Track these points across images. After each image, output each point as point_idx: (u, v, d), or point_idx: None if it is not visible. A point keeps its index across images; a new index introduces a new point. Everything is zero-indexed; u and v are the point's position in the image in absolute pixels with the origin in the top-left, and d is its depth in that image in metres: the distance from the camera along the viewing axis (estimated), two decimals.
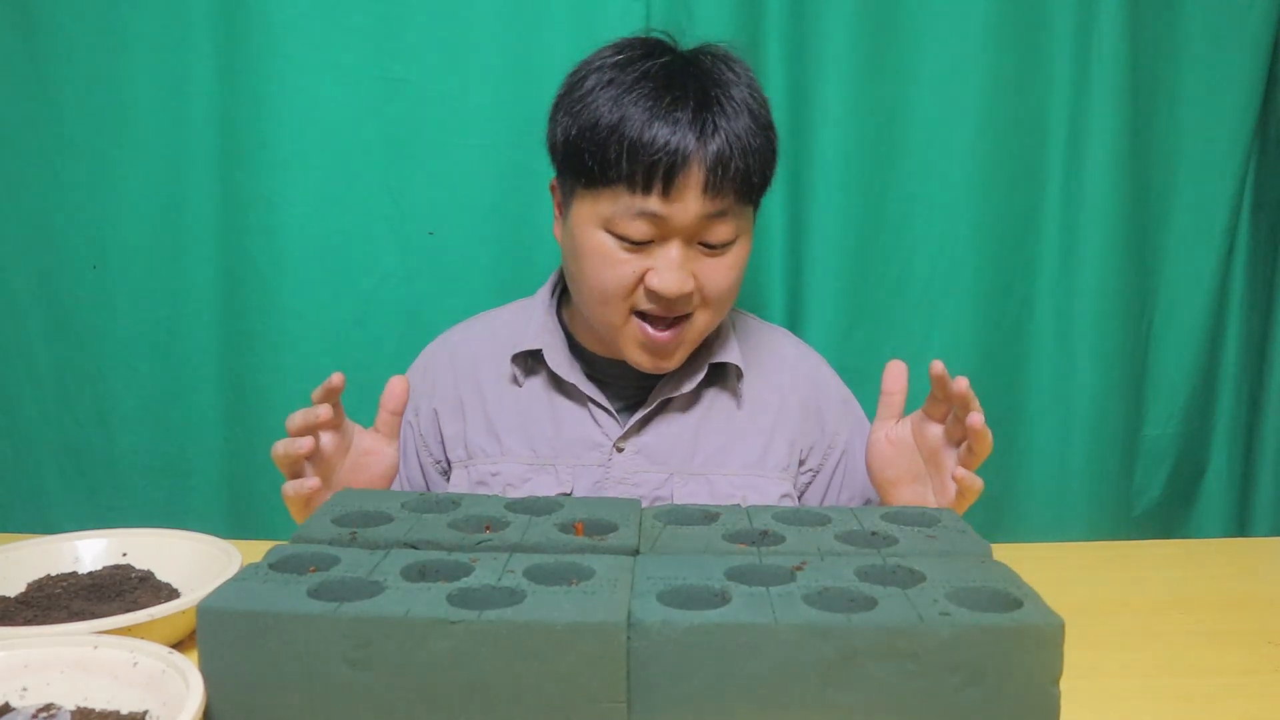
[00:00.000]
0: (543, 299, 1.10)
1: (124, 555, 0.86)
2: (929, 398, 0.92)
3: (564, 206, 1.01)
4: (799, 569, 0.68)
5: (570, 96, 0.96)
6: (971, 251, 1.33)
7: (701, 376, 1.04)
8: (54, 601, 0.77)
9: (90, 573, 0.83)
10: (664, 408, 1.05)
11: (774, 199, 1.31)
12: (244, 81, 1.26)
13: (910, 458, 0.94)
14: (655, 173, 0.91)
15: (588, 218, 0.96)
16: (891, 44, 1.29)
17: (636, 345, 0.99)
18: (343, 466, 0.94)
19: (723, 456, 1.05)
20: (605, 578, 0.65)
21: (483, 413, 1.07)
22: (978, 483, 0.89)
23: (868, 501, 1.10)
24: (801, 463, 1.08)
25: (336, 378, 0.88)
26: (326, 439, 0.91)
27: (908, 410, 0.97)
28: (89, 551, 0.86)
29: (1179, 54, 1.34)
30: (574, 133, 0.94)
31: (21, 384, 1.35)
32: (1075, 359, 1.36)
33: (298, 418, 0.88)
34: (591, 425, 1.05)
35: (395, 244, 1.31)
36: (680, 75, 0.95)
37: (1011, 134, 1.32)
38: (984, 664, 0.59)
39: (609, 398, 1.05)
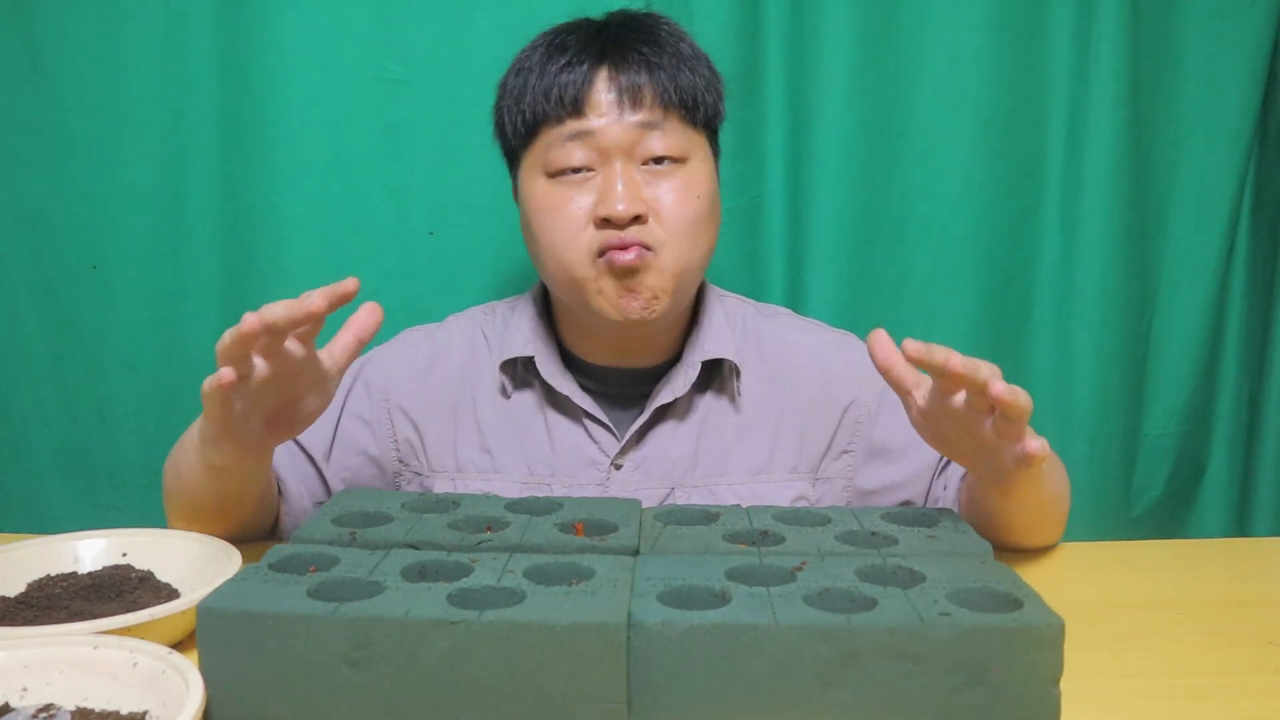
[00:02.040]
0: (529, 306, 1.06)
1: (124, 555, 0.86)
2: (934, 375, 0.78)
3: (517, 191, 1.01)
4: (799, 569, 0.68)
5: (497, 94, 1.02)
6: (971, 251, 1.33)
7: (695, 375, 1.00)
8: (54, 602, 0.77)
9: (90, 573, 0.83)
10: (661, 418, 1.02)
11: (774, 198, 1.31)
12: (244, 81, 1.26)
13: (953, 423, 0.79)
14: (564, 93, 0.93)
15: (530, 175, 0.97)
16: (891, 43, 1.29)
17: (606, 286, 0.93)
18: (291, 389, 0.80)
19: (725, 465, 1.01)
20: (605, 578, 0.65)
21: (475, 422, 1.03)
22: (1038, 452, 0.73)
23: (934, 465, 1.02)
24: (829, 450, 1.03)
25: (351, 283, 0.76)
26: (294, 347, 0.77)
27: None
28: (89, 551, 0.86)
29: (1179, 54, 1.34)
30: (502, 112, 1.00)
31: (21, 384, 1.34)
32: (1075, 359, 1.36)
33: (279, 308, 0.74)
34: (587, 442, 1.01)
35: (395, 244, 1.31)
36: (578, 25, 0.99)
37: (1011, 133, 1.32)
38: (984, 664, 0.59)
39: (604, 410, 1.02)
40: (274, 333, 0.74)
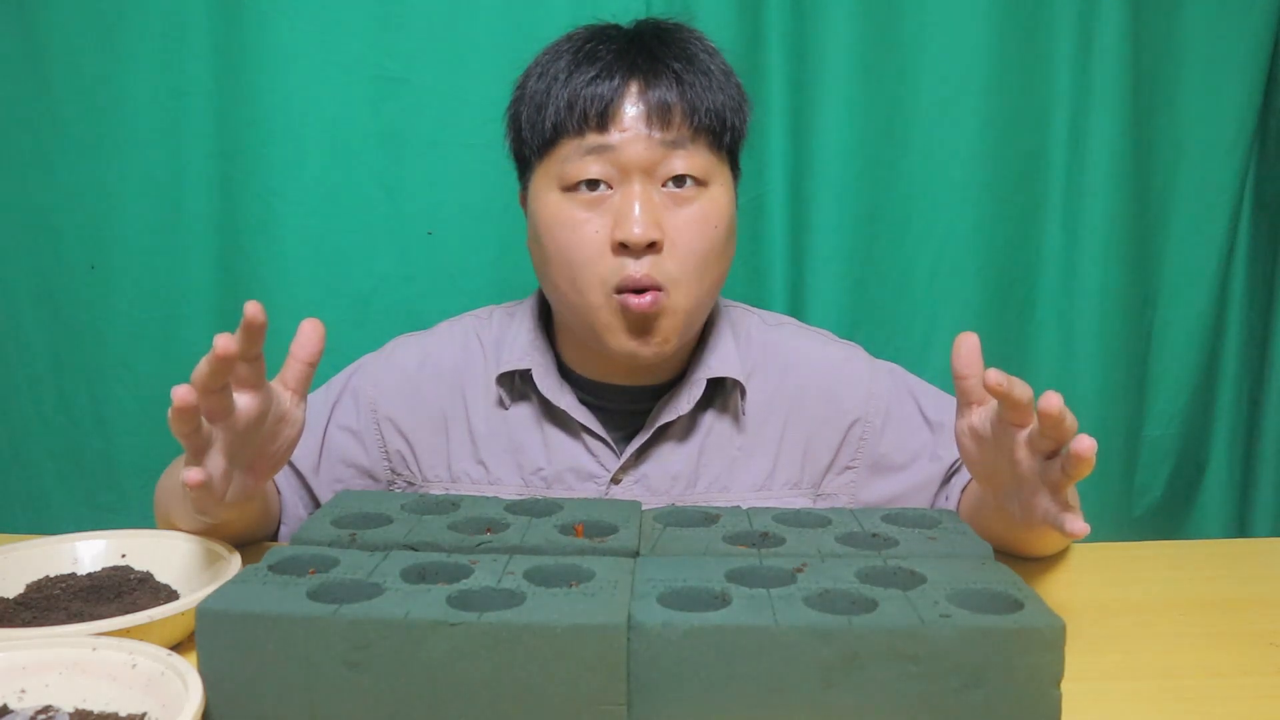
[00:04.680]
0: (528, 316, 1.03)
1: (123, 556, 0.85)
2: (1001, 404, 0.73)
3: (527, 201, 0.97)
4: (799, 571, 0.68)
5: (514, 95, 0.97)
6: (972, 252, 1.33)
7: (699, 394, 0.98)
8: (52, 603, 0.77)
9: (89, 574, 0.82)
10: (662, 435, 0.99)
11: (775, 198, 1.31)
12: (242, 81, 1.26)
13: (1002, 455, 0.76)
14: (589, 108, 0.89)
15: (543, 186, 0.93)
16: (892, 43, 1.29)
17: (618, 324, 0.91)
18: (258, 436, 0.78)
19: (725, 481, 1.00)
20: (605, 580, 0.65)
21: (468, 433, 1.01)
22: (1082, 528, 0.68)
23: (951, 478, 1.00)
24: (832, 466, 1.02)
25: (252, 308, 0.70)
26: (245, 401, 0.75)
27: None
28: (88, 552, 0.85)
29: (1179, 54, 1.34)
30: (519, 116, 0.95)
31: (19, 384, 1.34)
32: (1076, 359, 1.36)
33: (202, 367, 0.69)
34: (586, 456, 0.99)
35: (393, 244, 1.30)
36: (609, 32, 0.95)
37: (1012, 134, 1.32)
38: (985, 666, 0.59)
39: (603, 424, 0.99)
40: (210, 390, 0.71)
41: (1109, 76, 1.30)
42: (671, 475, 0.99)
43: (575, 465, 0.99)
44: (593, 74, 0.90)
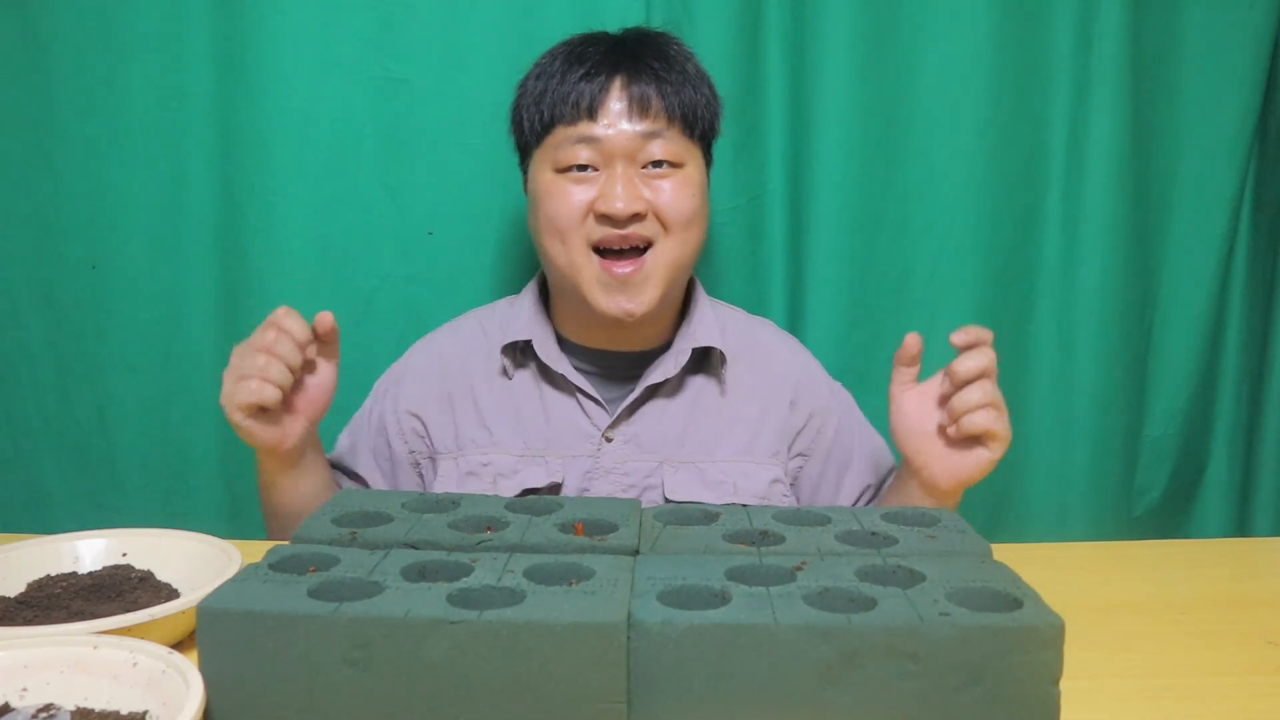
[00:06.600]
0: (530, 294, 1.13)
1: (124, 555, 0.86)
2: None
3: (527, 184, 1.09)
4: (799, 569, 0.68)
5: (517, 94, 1.09)
6: (972, 251, 1.33)
7: (686, 360, 1.07)
8: (54, 602, 0.77)
9: (90, 573, 0.83)
10: (651, 396, 1.08)
11: (775, 198, 1.31)
12: (243, 82, 1.26)
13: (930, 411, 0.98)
14: (580, 100, 1.02)
15: (541, 168, 1.05)
16: (892, 43, 1.29)
17: (599, 285, 1.02)
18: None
19: (713, 444, 1.07)
20: (605, 578, 0.65)
21: (473, 405, 1.09)
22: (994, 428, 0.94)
23: (865, 489, 1.13)
24: (789, 448, 1.10)
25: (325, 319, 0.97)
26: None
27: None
28: (89, 551, 0.86)
29: (1179, 54, 1.34)
30: (520, 110, 1.07)
31: (22, 384, 1.35)
32: (1076, 359, 1.36)
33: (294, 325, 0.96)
34: (580, 415, 1.07)
35: (394, 244, 1.31)
36: (598, 36, 1.07)
37: (1012, 134, 1.32)
38: (984, 664, 0.59)
39: (597, 388, 1.08)
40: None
41: (1109, 76, 1.30)
42: (660, 434, 1.07)
43: (571, 423, 1.07)
44: (583, 71, 1.02)
